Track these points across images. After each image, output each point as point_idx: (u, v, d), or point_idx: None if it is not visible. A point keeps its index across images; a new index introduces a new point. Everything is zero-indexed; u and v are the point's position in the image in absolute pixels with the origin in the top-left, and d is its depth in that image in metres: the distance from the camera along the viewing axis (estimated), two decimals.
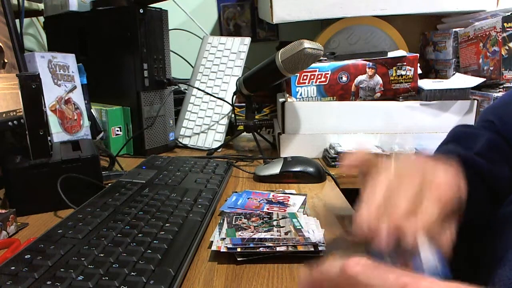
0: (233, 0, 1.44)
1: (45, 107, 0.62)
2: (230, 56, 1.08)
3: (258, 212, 0.57)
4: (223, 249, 0.46)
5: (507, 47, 0.91)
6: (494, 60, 0.95)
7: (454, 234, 0.38)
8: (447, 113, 0.90)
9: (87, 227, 0.48)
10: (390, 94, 0.96)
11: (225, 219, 0.54)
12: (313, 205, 0.64)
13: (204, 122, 1.03)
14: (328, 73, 0.92)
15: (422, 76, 1.03)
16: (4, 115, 0.71)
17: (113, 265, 0.40)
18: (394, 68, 0.95)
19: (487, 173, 0.46)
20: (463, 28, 1.05)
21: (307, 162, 0.77)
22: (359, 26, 1.06)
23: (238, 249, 0.46)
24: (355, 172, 0.45)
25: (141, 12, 0.90)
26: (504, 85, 0.93)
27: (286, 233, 0.49)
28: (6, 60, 0.74)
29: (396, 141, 0.90)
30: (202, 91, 1.04)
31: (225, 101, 1.01)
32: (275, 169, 0.75)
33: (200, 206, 0.57)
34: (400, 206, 0.35)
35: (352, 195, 0.62)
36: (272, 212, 0.57)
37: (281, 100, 0.93)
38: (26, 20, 1.26)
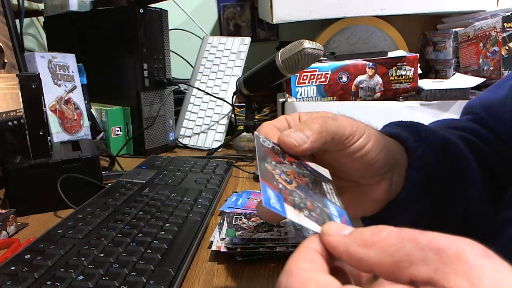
0: (233, 0, 1.44)
1: (45, 107, 0.62)
2: (230, 56, 1.08)
3: None
4: (223, 249, 0.46)
5: (507, 47, 0.91)
6: (494, 60, 0.95)
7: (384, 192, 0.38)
8: (447, 113, 0.90)
9: (87, 227, 0.48)
10: (390, 94, 0.96)
11: (225, 219, 0.54)
12: None
13: (204, 122, 1.03)
14: (328, 73, 0.92)
15: (422, 76, 1.03)
16: (4, 115, 0.71)
17: (113, 265, 0.40)
18: (394, 68, 0.95)
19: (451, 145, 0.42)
20: (463, 28, 1.05)
21: None
22: (359, 26, 1.06)
23: (238, 249, 0.46)
24: None
25: (141, 12, 0.90)
26: None
27: (286, 233, 0.49)
28: (6, 60, 0.74)
29: None
30: (202, 91, 1.04)
31: (225, 101, 1.01)
32: None
33: (200, 206, 0.57)
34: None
35: None
36: None
37: (281, 100, 0.94)
38: (26, 20, 1.25)
